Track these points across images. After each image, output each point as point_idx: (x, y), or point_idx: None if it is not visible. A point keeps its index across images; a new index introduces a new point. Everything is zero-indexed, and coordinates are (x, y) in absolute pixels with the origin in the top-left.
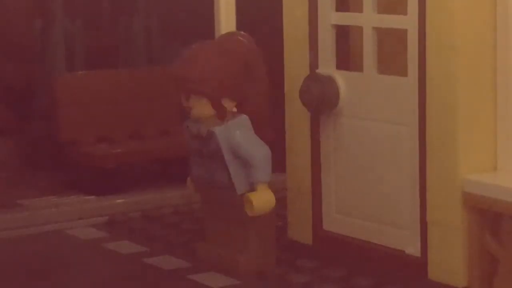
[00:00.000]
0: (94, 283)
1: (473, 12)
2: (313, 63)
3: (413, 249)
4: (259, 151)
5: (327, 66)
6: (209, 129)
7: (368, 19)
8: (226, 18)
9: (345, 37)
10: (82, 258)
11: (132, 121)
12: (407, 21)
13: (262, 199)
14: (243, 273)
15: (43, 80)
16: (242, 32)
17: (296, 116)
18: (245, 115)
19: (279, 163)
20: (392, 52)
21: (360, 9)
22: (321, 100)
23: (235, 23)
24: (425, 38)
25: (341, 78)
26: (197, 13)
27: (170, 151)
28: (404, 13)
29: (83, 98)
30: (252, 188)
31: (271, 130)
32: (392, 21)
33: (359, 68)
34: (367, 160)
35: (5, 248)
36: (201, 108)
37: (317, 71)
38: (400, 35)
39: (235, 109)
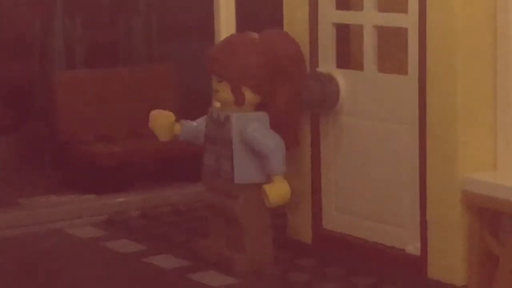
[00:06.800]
0: (93, 281)
1: (473, 11)
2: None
3: (413, 247)
4: (271, 142)
5: (327, 65)
6: (226, 114)
7: (368, 17)
8: (225, 16)
9: (345, 35)
10: (82, 257)
11: (131, 120)
12: (408, 20)
13: (278, 192)
14: (242, 271)
15: (43, 78)
16: (289, 33)
17: None
18: (265, 113)
19: None
20: (392, 50)
21: (360, 8)
22: (322, 99)
23: (235, 21)
24: (425, 37)
25: (341, 77)
26: (197, 11)
27: (169, 150)
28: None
29: (82, 96)
30: (268, 180)
31: (297, 138)
32: (392, 19)
33: (359, 66)
34: (367, 158)
35: (5, 247)
36: (224, 92)
37: (317, 69)
38: (400, 34)
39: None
